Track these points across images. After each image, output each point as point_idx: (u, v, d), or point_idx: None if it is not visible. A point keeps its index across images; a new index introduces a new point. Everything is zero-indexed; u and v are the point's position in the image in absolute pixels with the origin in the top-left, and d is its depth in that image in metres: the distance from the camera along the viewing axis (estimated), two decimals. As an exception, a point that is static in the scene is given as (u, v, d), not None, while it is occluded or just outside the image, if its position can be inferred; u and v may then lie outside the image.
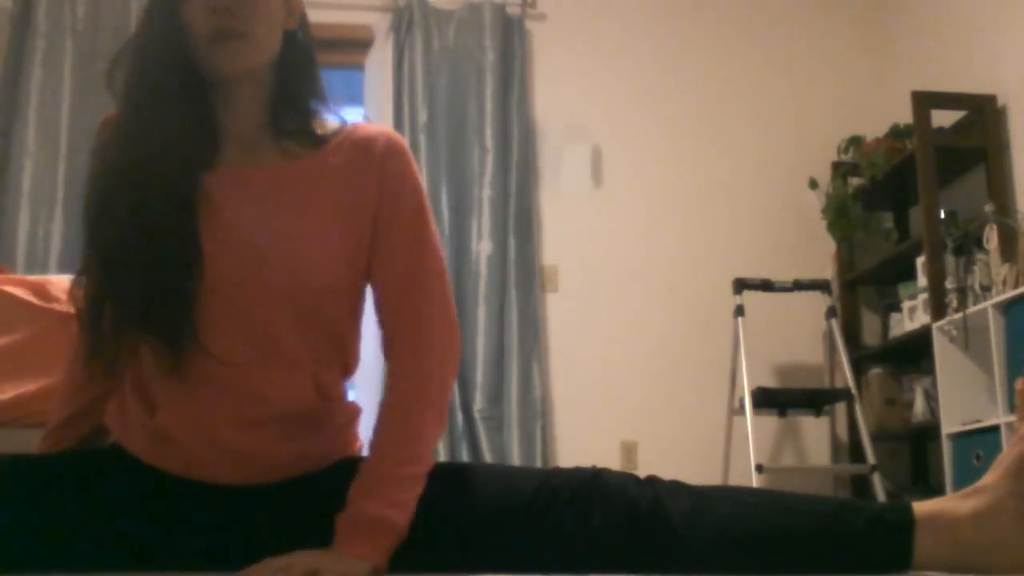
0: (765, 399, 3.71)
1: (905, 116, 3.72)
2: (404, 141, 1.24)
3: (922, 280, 3.56)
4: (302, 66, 1.24)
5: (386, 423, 1.15)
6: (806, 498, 1.16)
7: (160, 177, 1.12)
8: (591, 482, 1.15)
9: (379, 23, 4.21)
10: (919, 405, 3.65)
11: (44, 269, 3.61)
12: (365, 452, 1.20)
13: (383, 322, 1.22)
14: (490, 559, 1.13)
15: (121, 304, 1.12)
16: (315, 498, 1.15)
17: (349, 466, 1.17)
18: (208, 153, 1.15)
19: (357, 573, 1.03)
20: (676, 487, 1.16)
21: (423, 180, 1.33)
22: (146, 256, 1.10)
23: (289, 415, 1.17)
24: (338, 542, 1.06)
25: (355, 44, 4.20)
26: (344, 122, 1.25)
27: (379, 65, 4.19)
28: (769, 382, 4.01)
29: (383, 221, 1.20)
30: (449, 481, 1.17)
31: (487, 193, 4.00)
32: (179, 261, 1.10)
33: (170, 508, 1.16)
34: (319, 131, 1.22)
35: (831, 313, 3.92)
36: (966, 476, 3.15)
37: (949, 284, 3.31)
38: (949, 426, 3.25)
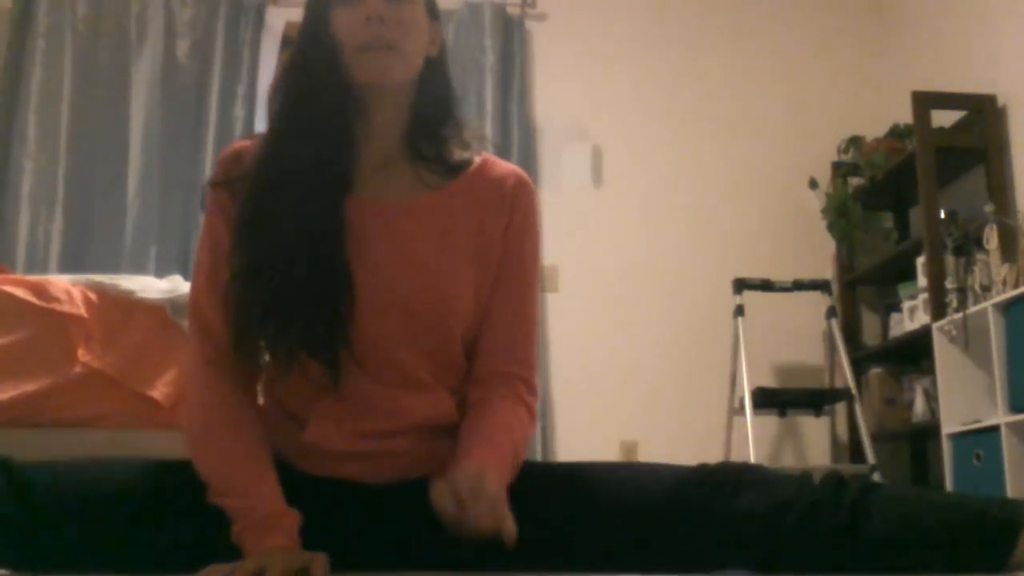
0: (765, 399, 3.71)
1: (905, 116, 3.72)
2: (532, 184, 1.29)
3: (922, 280, 3.56)
4: (441, 93, 1.27)
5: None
6: (937, 497, 1.18)
7: (319, 199, 1.15)
8: (738, 474, 1.17)
9: None
10: (919, 405, 3.65)
11: (44, 269, 3.61)
12: None
13: (481, 356, 1.27)
14: (634, 556, 1.15)
15: (283, 321, 1.13)
16: None
17: None
18: (350, 173, 1.18)
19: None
20: (836, 487, 1.15)
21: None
22: (311, 276, 1.13)
23: (428, 427, 1.22)
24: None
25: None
26: (477, 154, 1.28)
27: (379, 65, 4.18)
28: (769, 382, 4.00)
29: (507, 266, 1.25)
30: (583, 481, 1.21)
31: (487, 193, 4.00)
32: (339, 283, 1.14)
33: (322, 508, 1.16)
34: (453, 160, 1.25)
35: (831, 313, 3.92)
36: (966, 476, 3.15)
37: (949, 284, 3.31)
38: (949, 426, 3.25)
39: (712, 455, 3.78)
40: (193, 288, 1.22)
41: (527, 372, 1.25)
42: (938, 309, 3.35)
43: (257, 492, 1.10)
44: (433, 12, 1.26)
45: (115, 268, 3.60)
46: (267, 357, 1.18)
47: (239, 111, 3.96)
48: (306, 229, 1.14)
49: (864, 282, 4.17)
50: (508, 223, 1.23)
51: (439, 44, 1.27)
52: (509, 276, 1.25)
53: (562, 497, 1.18)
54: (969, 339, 3.18)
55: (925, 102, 3.60)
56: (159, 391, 2.04)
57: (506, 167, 1.27)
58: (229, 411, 1.16)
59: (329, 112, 1.17)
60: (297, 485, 1.17)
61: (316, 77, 1.17)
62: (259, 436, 1.17)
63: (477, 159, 1.27)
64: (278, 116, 1.19)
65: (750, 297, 3.89)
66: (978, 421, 3.12)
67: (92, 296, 2.05)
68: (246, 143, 1.24)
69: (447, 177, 1.23)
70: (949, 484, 3.23)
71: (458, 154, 1.26)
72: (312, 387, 1.16)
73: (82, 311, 2.00)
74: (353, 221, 1.16)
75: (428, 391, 1.20)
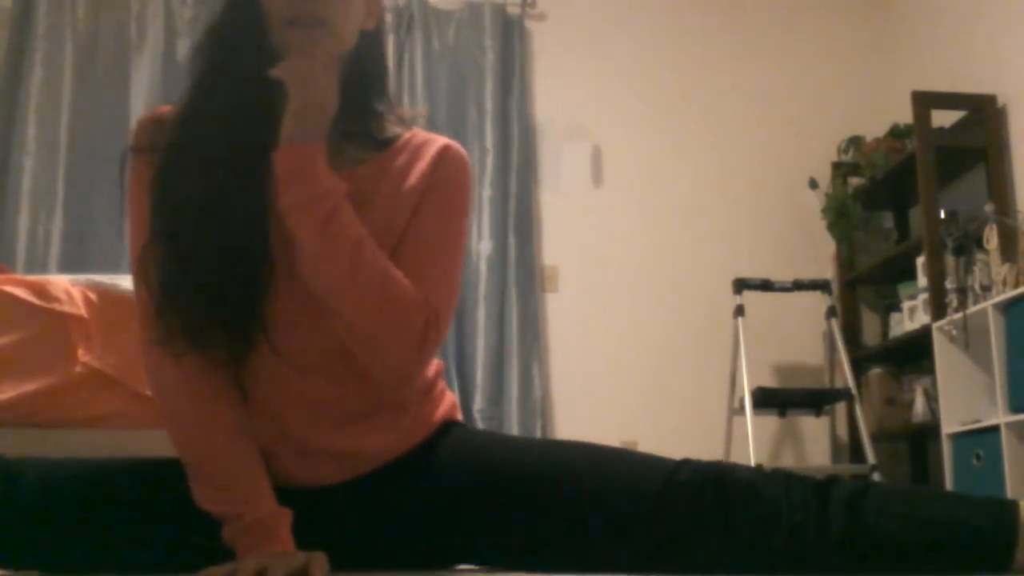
0: (765, 399, 3.71)
1: (905, 116, 3.72)
2: (462, 152, 1.24)
3: (922, 280, 3.56)
4: (373, 67, 1.23)
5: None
6: (940, 498, 1.15)
7: (231, 160, 1.11)
8: (717, 478, 1.13)
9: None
10: (919, 405, 3.65)
11: (44, 269, 3.61)
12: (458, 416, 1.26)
13: None
14: (615, 558, 1.12)
15: (190, 294, 1.09)
16: (413, 479, 1.17)
17: (438, 439, 1.20)
18: (275, 144, 1.11)
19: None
20: (825, 489, 1.13)
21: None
22: (218, 244, 1.09)
23: (360, 415, 1.17)
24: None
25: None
26: (407, 128, 1.24)
27: (379, 65, 4.19)
28: (769, 382, 4.01)
29: (423, 204, 1.19)
30: (569, 480, 1.15)
31: (487, 193, 4.00)
32: (250, 251, 1.10)
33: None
34: (382, 135, 1.21)
35: (831, 313, 3.92)
36: (966, 476, 3.15)
37: (949, 284, 3.31)
38: (949, 426, 3.25)
39: (712, 455, 3.76)
40: (131, 267, 1.19)
41: (434, 296, 1.14)
42: (938, 309, 3.35)
43: (254, 492, 1.08)
44: None
45: (115, 268, 3.60)
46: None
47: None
48: (220, 190, 1.10)
49: (864, 282, 4.17)
50: (431, 178, 1.19)
51: (376, 16, 1.21)
52: (421, 211, 1.18)
53: (552, 493, 1.14)
54: (969, 339, 3.18)
55: (925, 102, 3.60)
56: (159, 391, 2.03)
57: (434, 137, 1.24)
58: (215, 400, 1.12)
59: (250, 85, 1.12)
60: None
61: (239, 48, 1.13)
62: (235, 424, 1.12)
63: (406, 134, 1.23)
64: (197, 85, 1.15)
65: (750, 297, 3.89)
66: (978, 421, 3.12)
67: (92, 296, 2.05)
68: (167, 108, 1.19)
69: (373, 152, 1.20)
70: (949, 484, 3.23)
71: (389, 130, 1.22)
72: (232, 364, 1.13)
73: (82, 311, 2.00)
74: (273, 196, 1.09)
75: (359, 375, 1.15)
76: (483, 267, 3.94)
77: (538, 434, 3.80)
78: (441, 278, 1.16)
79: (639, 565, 1.11)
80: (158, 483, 1.18)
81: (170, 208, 1.11)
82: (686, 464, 1.16)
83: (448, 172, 1.21)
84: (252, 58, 1.11)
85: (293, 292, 1.12)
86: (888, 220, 4.20)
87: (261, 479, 1.10)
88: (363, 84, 1.21)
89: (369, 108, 1.22)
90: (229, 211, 1.10)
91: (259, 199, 1.10)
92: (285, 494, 1.11)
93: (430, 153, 1.21)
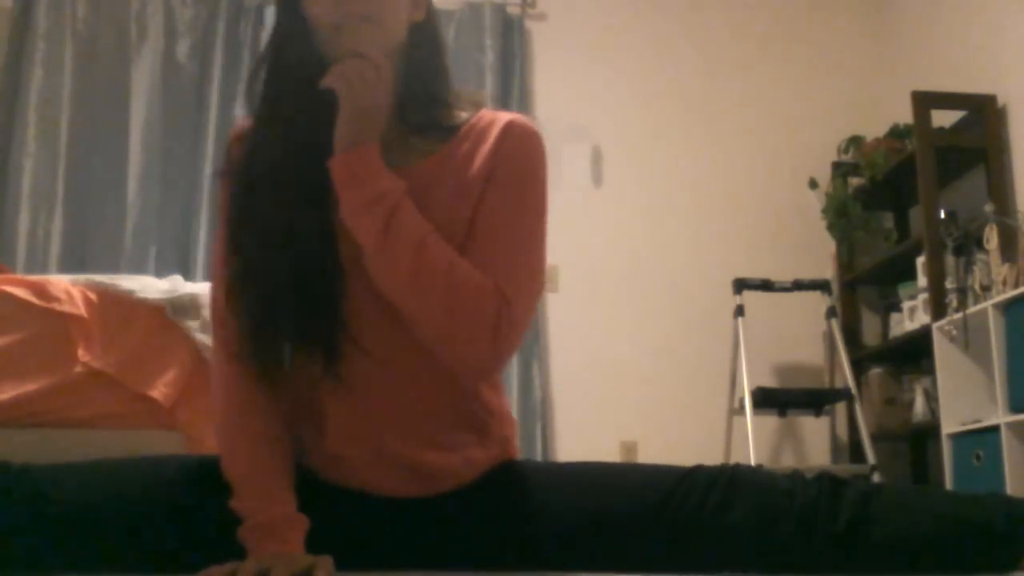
0: (765, 399, 3.71)
1: (905, 116, 3.72)
2: (534, 124, 1.19)
3: (922, 280, 3.56)
4: (429, 58, 1.20)
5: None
6: (949, 497, 1.17)
7: (298, 178, 1.12)
8: (731, 475, 1.15)
9: None
10: (919, 405, 3.65)
11: (44, 269, 3.61)
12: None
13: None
14: (627, 558, 1.14)
15: (274, 311, 1.11)
16: (481, 505, 1.18)
17: (508, 472, 1.21)
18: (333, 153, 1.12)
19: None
20: (835, 488, 1.14)
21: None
22: (293, 260, 1.11)
23: (450, 422, 1.19)
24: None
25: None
26: (476, 111, 1.21)
27: (379, 65, 4.18)
28: (769, 382, 4.00)
29: (489, 187, 1.15)
30: (582, 481, 1.19)
31: (487, 193, 4.00)
32: (324, 262, 1.12)
33: (346, 524, 1.15)
34: (448, 123, 1.19)
35: (831, 313, 3.92)
36: (966, 476, 3.15)
37: (949, 284, 3.31)
38: (949, 426, 3.25)
39: (712, 455, 3.79)
40: (211, 281, 1.22)
41: (504, 283, 1.10)
42: (938, 309, 3.35)
43: (268, 494, 1.08)
44: None
45: (115, 268, 3.60)
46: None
47: (239, 111, 3.96)
48: (287, 211, 1.12)
49: (864, 282, 4.17)
50: (493, 168, 1.16)
51: (424, 7, 1.19)
52: (492, 195, 1.15)
53: (560, 497, 1.17)
54: (969, 339, 3.18)
55: (925, 102, 3.60)
56: (159, 391, 2.03)
57: (500, 115, 1.20)
58: (247, 409, 1.14)
59: (306, 99, 1.13)
60: (321, 495, 1.15)
61: (291, 63, 1.14)
62: (278, 436, 1.14)
63: (473, 118, 1.20)
64: (260, 106, 1.16)
65: (750, 297, 3.89)
66: (978, 421, 3.12)
67: (92, 296, 2.05)
68: (246, 124, 1.21)
69: (440, 142, 1.18)
70: (949, 484, 3.23)
71: (456, 116, 1.20)
72: (323, 374, 1.14)
73: (82, 311, 2.00)
74: (335, 206, 1.11)
75: (431, 375, 1.15)
76: (483, 267, 3.94)
77: (538, 434, 3.80)
78: (512, 264, 1.13)
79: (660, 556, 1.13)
80: (203, 485, 1.17)
81: (243, 233, 1.14)
82: (700, 467, 1.19)
83: (511, 149, 1.16)
84: (305, 72, 1.12)
85: (369, 291, 1.12)
86: (888, 220, 4.20)
87: (281, 483, 1.11)
88: (422, 75, 1.19)
89: (432, 97, 1.19)
90: (298, 231, 1.11)
91: (325, 213, 1.11)
92: (361, 500, 1.15)
93: (494, 133, 1.17)
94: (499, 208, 1.15)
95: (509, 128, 1.17)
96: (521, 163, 1.17)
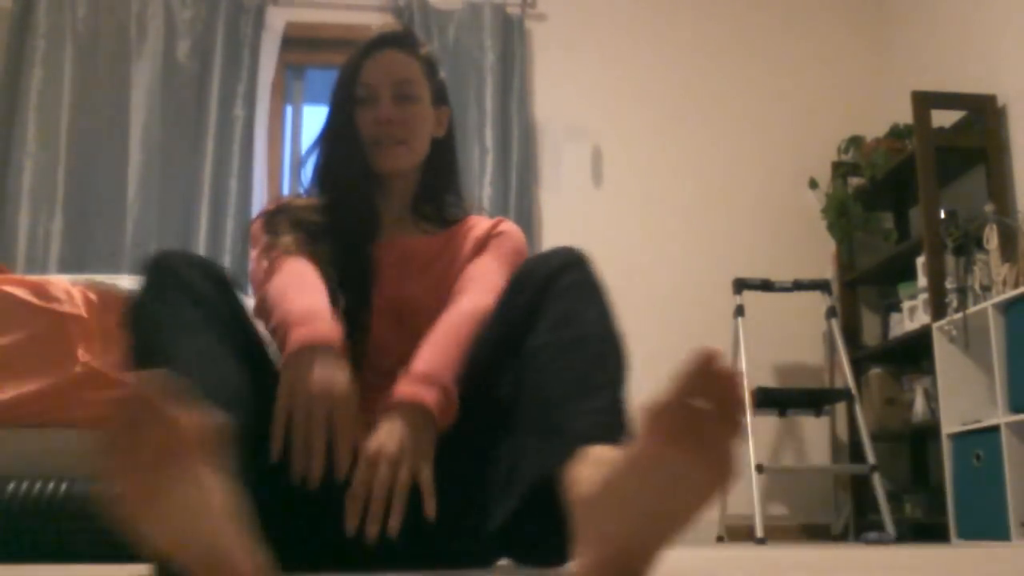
0: (765, 399, 3.71)
1: (905, 116, 3.72)
2: (513, 226, 1.48)
3: (922, 280, 3.56)
4: (443, 167, 1.50)
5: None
6: None
7: (352, 236, 1.39)
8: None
9: (379, 23, 4.21)
10: (919, 405, 3.65)
11: (44, 269, 3.61)
12: None
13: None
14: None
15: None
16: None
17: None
18: (375, 226, 1.42)
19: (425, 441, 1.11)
20: None
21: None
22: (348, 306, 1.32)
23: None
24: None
25: (355, 44, 4.20)
26: (467, 214, 1.50)
27: (379, 65, 4.18)
28: (769, 382, 4.01)
29: (476, 254, 1.42)
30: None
31: (487, 193, 4.00)
32: (363, 281, 1.35)
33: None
34: (447, 217, 1.49)
35: (831, 313, 3.92)
36: (966, 476, 3.15)
37: (949, 284, 3.31)
38: (949, 426, 3.25)
39: (712, 455, 3.79)
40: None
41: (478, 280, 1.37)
42: (938, 309, 3.35)
43: (309, 297, 1.20)
44: (440, 98, 1.48)
45: (115, 268, 3.60)
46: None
47: (239, 111, 3.96)
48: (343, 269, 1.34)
49: (864, 282, 4.17)
50: (481, 244, 1.42)
51: (445, 124, 1.49)
52: (479, 256, 1.42)
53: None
54: (969, 339, 3.18)
55: (925, 102, 3.60)
56: (159, 391, 2.03)
57: (487, 219, 1.48)
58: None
59: (355, 189, 1.41)
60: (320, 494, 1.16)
61: (342, 164, 1.42)
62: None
63: (470, 219, 1.48)
64: (318, 184, 1.44)
65: (750, 297, 3.89)
66: (978, 421, 3.12)
67: (92, 296, 2.05)
68: (285, 200, 1.45)
69: (439, 228, 1.47)
70: (949, 484, 3.23)
71: (453, 214, 1.49)
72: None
73: (82, 311, 2.00)
74: (379, 259, 1.38)
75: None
76: (483, 267, 3.94)
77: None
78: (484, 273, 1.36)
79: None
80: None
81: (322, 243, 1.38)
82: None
83: (501, 233, 1.44)
84: (356, 173, 1.40)
85: (392, 331, 1.34)
86: (888, 220, 4.20)
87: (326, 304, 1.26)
88: (436, 181, 1.49)
89: (439, 198, 1.50)
90: (353, 250, 1.37)
91: (369, 255, 1.38)
92: None
93: (486, 224, 1.46)
94: (482, 261, 1.41)
95: (500, 222, 1.48)
96: (508, 240, 1.44)
